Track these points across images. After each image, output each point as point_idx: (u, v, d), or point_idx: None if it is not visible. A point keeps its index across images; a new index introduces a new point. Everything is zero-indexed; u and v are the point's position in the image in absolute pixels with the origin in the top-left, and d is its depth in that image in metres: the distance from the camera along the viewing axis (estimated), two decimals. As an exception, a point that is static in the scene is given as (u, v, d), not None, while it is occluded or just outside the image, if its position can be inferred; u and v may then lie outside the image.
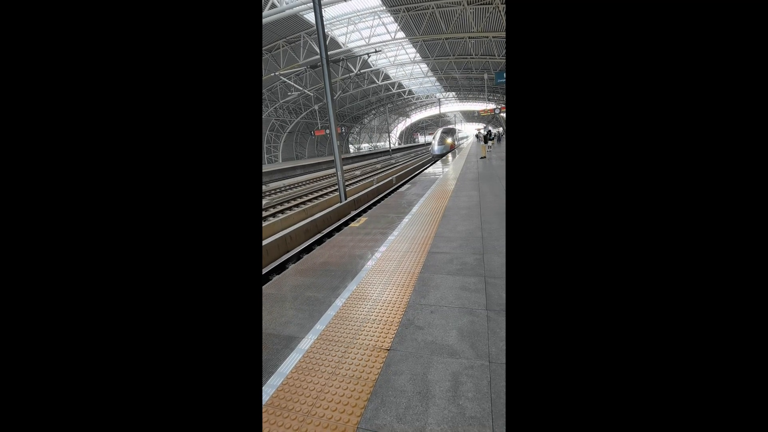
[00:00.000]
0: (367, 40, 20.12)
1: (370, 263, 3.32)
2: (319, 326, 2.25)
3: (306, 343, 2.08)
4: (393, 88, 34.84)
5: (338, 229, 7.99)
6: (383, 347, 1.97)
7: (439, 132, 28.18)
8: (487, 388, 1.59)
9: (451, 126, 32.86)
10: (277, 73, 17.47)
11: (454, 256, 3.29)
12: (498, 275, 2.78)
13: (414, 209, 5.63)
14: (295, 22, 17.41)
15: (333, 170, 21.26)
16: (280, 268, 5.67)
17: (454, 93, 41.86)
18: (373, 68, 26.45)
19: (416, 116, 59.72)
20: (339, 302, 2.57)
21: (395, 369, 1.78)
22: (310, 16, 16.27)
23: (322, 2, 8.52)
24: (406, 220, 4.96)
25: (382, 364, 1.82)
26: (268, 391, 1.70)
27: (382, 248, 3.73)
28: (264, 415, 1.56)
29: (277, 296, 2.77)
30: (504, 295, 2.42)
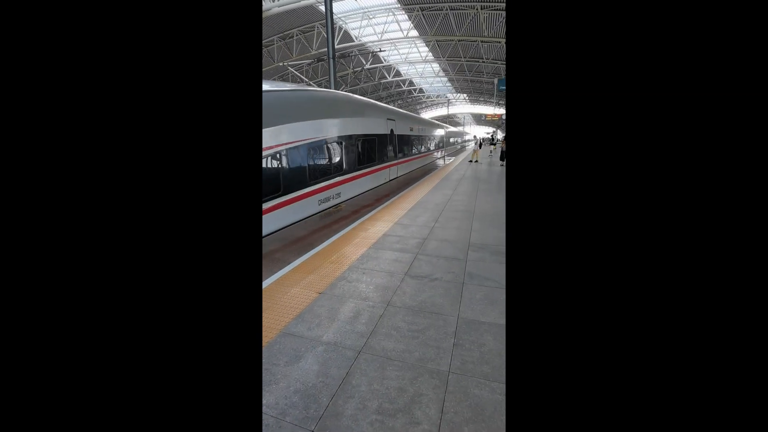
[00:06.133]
0: (379, 35, 20.57)
1: (331, 239, 4.00)
2: (276, 276, 2.94)
3: (264, 284, 2.77)
4: (404, 85, 35.18)
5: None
6: (317, 290, 2.66)
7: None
8: (377, 319, 2.27)
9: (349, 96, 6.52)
10: (285, 63, 17.90)
11: (401, 239, 3.96)
12: (429, 253, 3.45)
13: (388, 201, 6.29)
14: (310, 12, 17.87)
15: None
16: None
17: (465, 95, 42.11)
18: (385, 64, 26.42)
19: (425, 115, 60.00)
20: (297, 261, 3.26)
21: (319, 304, 2.47)
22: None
23: None
24: (379, 207, 5.63)
25: (311, 301, 2.51)
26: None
27: (345, 230, 4.41)
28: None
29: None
30: (426, 268, 3.09)
